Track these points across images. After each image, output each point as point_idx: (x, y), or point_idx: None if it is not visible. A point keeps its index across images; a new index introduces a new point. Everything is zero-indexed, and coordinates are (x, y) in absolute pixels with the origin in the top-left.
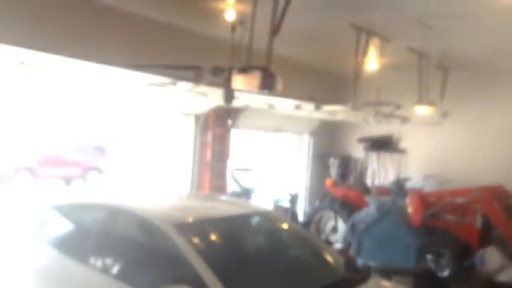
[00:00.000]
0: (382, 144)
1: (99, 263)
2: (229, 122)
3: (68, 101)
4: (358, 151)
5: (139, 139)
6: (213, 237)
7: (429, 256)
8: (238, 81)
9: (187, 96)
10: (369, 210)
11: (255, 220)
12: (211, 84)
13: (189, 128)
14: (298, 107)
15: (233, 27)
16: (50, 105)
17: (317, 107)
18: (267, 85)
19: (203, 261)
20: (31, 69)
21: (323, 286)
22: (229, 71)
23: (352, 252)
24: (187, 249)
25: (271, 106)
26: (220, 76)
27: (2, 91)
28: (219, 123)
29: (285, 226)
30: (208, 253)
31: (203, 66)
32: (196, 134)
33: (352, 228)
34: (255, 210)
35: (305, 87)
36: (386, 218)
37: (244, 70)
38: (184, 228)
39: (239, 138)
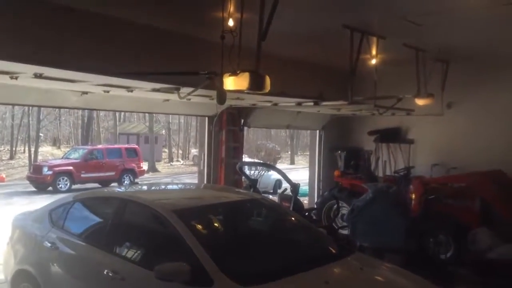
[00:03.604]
0: (391, 136)
1: (111, 247)
2: (241, 120)
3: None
4: (369, 143)
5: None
6: (209, 221)
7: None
8: (229, 83)
9: (200, 100)
10: (367, 194)
11: (249, 205)
12: (209, 87)
13: (205, 127)
14: (299, 104)
15: (222, 36)
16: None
17: (316, 103)
18: (256, 86)
19: (199, 242)
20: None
21: (308, 260)
22: (221, 75)
23: (350, 234)
24: (185, 231)
25: (274, 104)
26: (214, 79)
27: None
28: (232, 121)
29: (275, 210)
30: (204, 235)
31: (199, 71)
32: (211, 133)
33: (352, 212)
34: (248, 197)
35: (313, 85)
36: (378, 201)
37: (234, 73)
38: (182, 213)
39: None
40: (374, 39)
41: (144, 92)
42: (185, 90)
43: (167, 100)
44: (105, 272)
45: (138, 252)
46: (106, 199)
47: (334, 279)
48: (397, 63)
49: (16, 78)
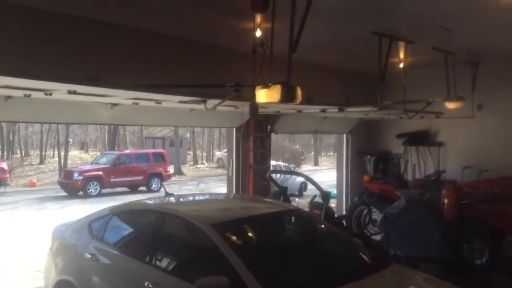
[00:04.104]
0: (420, 139)
1: (150, 259)
2: (268, 127)
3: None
4: (398, 147)
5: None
6: (246, 233)
7: (464, 245)
8: (261, 95)
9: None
10: (399, 202)
11: (285, 217)
12: (235, 99)
13: (233, 134)
14: (323, 111)
15: (254, 49)
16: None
17: (340, 110)
18: (288, 98)
19: (237, 255)
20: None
21: (346, 273)
22: (253, 87)
23: (383, 242)
24: (223, 245)
25: (299, 111)
26: (240, 91)
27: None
28: (259, 128)
29: (312, 221)
30: (241, 248)
31: (225, 84)
32: (238, 140)
33: (384, 220)
34: (285, 209)
35: (340, 91)
36: (412, 209)
37: (266, 85)
38: (220, 226)
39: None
40: (402, 44)
41: (171, 104)
42: (212, 102)
43: (193, 110)
44: (145, 284)
45: (177, 264)
46: (144, 211)
47: None
48: (426, 66)
49: (51, 94)
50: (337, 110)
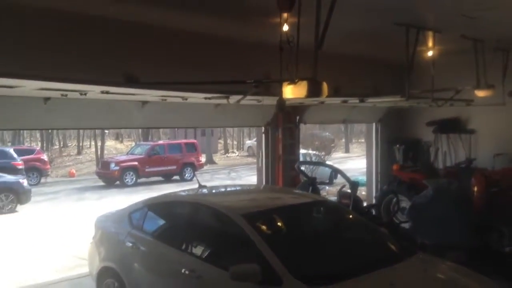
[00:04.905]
0: (451, 126)
1: (186, 247)
2: (297, 118)
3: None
4: (428, 135)
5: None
6: (276, 223)
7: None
8: (288, 91)
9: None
10: (427, 191)
11: (313, 207)
12: (257, 94)
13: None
14: (345, 102)
15: (280, 47)
16: None
17: (361, 101)
18: (314, 93)
19: (267, 244)
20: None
21: (372, 261)
22: (280, 83)
23: (411, 231)
24: (253, 234)
25: (321, 103)
26: (260, 87)
27: None
28: (287, 119)
29: (339, 211)
30: (271, 237)
31: (246, 80)
32: (267, 131)
33: (412, 209)
34: (313, 199)
35: (367, 80)
36: (439, 198)
37: (292, 81)
38: (251, 217)
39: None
40: (430, 33)
41: (198, 100)
42: (234, 97)
43: (220, 111)
44: (182, 271)
45: (212, 252)
46: (179, 203)
47: (398, 281)
48: (454, 54)
49: (85, 94)
50: (357, 101)
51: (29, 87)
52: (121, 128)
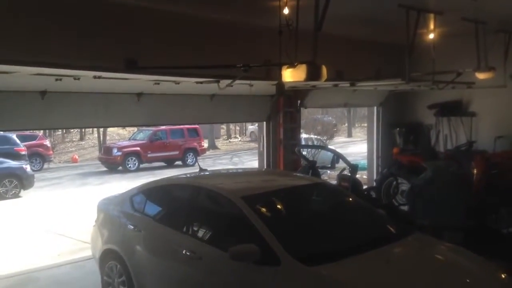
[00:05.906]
0: (452, 109)
1: (187, 229)
2: (298, 102)
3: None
4: (429, 118)
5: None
6: (275, 205)
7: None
8: (287, 75)
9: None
10: (426, 173)
11: (311, 190)
12: (246, 78)
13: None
14: (335, 86)
15: (280, 31)
16: None
17: (352, 84)
18: (313, 76)
19: (266, 225)
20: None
21: (368, 241)
22: (279, 67)
23: (409, 212)
24: (252, 216)
25: (313, 86)
26: (248, 71)
27: None
28: (288, 103)
29: (337, 193)
30: (270, 218)
31: (236, 65)
32: (269, 117)
33: (411, 191)
34: (311, 182)
35: (369, 63)
36: (437, 180)
37: (292, 65)
38: (250, 199)
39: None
40: (431, 15)
41: (198, 100)
42: (224, 82)
43: (221, 105)
44: (183, 252)
45: (212, 234)
46: (180, 186)
47: (394, 259)
48: (455, 36)
49: (79, 79)
50: (348, 85)
51: (24, 72)
52: (120, 126)
